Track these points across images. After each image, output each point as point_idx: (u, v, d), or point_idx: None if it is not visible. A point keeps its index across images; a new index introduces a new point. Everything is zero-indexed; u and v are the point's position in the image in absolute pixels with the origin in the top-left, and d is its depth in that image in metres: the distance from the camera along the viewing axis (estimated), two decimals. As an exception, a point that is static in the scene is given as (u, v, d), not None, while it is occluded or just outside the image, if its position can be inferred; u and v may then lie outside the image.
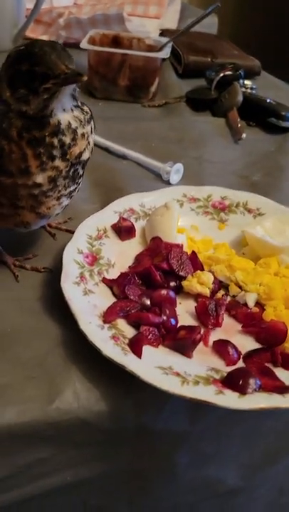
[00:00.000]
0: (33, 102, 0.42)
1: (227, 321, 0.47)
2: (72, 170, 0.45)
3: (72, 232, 0.53)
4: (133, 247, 0.54)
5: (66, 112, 0.44)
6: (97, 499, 0.47)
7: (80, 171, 0.47)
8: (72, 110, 0.44)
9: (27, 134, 0.42)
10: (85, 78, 0.40)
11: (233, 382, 0.38)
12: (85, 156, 0.47)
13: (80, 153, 0.46)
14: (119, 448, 0.43)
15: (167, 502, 0.52)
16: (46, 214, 0.47)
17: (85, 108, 0.47)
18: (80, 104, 0.46)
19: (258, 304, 0.48)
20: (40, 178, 0.44)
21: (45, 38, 1.10)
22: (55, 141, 0.43)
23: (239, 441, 0.49)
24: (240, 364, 0.42)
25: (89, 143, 0.47)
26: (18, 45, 0.44)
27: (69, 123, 0.44)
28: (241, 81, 0.89)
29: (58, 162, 0.44)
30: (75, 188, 0.48)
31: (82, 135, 0.45)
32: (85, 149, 0.46)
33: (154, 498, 0.51)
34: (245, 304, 0.48)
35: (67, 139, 0.44)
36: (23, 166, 0.43)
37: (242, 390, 0.38)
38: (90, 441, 0.42)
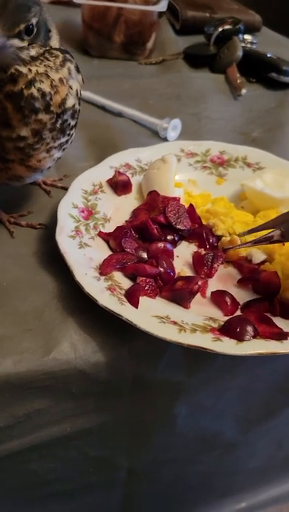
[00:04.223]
0: None
1: (225, 273, 0.46)
2: (59, 121, 0.44)
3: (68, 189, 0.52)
4: (130, 203, 0.53)
5: (27, 63, 0.41)
6: (97, 450, 0.48)
7: (71, 121, 0.45)
8: (32, 59, 0.41)
9: (2, 88, 0.41)
10: None
11: (231, 329, 0.38)
12: (70, 102, 0.44)
13: (63, 101, 0.43)
14: (117, 399, 0.44)
15: (166, 454, 0.53)
16: (37, 167, 0.46)
17: (56, 52, 0.44)
18: (46, 50, 0.43)
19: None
20: (23, 131, 0.42)
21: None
22: (35, 91, 0.41)
23: (237, 394, 0.49)
24: (238, 314, 0.42)
25: (71, 87, 0.44)
26: None
27: (37, 71, 0.42)
28: (241, 36, 0.86)
29: (41, 115, 0.42)
30: (67, 140, 0.46)
31: (61, 80, 0.43)
32: (67, 95, 0.44)
33: (153, 450, 0.51)
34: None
35: (46, 87, 0.42)
36: (3, 119, 0.41)
37: (239, 337, 0.37)
38: (88, 392, 0.42)
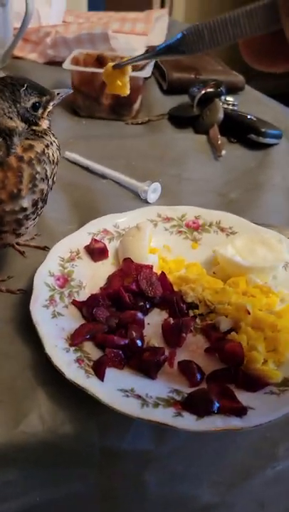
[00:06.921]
0: (43, 124, 0.48)
1: (194, 341, 0.48)
2: (49, 192, 0.49)
3: (41, 248, 0.57)
4: (106, 268, 0.55)
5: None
6: (69, 519, 0.48)
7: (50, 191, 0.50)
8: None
9: (30, 152, 0.46)
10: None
11: (192, 404, 0.39)
12: (55, 176, 0.50)
13: (55, 173, 0.49)
14: (86, 468, 0.44)
15: (141, 520, 0.53)
16: (25, 233, 0.50)
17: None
18: None
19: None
20: (26, 203, 0.46)
21: (33, 56, 1.12)
22: (51, 152, 0.47)
23: (209, 459, 0.50)
24: (203, 385, 0.43)
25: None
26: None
27: (51, 142, 0.49)
28: (223, 97, 0.90)
29: (44, 185, 0.47)
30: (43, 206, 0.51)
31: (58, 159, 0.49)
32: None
33: (127, 516, 0.51)
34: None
35: (55, 154, 0.48)
36: (15, 191, 0.45)
37: (200, 413, 0.38)
38: (57, 463, 0.43)
